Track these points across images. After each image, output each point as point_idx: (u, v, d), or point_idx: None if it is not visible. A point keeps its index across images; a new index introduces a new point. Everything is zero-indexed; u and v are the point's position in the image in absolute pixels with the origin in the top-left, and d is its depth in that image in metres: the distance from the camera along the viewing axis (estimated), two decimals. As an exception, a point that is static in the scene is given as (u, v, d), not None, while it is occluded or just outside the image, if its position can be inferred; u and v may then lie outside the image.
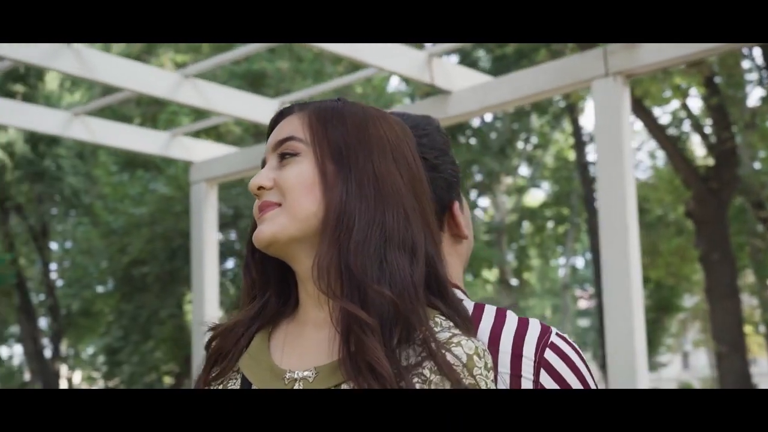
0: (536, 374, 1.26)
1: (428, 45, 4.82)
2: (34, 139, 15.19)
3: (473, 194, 21.10)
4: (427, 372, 1.12)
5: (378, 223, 1.16)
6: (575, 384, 1.27)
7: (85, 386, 22.66)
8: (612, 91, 3.89)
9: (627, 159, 3.85)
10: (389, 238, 1.15)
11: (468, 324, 1.20)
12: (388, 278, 1.13)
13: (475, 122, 18.74)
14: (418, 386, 1.11)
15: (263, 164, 1.25)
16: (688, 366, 41.04)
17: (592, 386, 1.30)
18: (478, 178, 20.21)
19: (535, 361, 1.27)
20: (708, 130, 13.54)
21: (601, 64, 3.92)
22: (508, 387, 1.25)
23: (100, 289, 16.97)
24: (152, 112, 14.20)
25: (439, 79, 4.32)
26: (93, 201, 15.89)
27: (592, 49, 4.00)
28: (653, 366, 25.51)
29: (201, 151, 5.36)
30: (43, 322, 20.52)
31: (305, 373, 1.16)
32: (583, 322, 29.50)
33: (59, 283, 19.42)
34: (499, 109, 4.57)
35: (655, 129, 13.09)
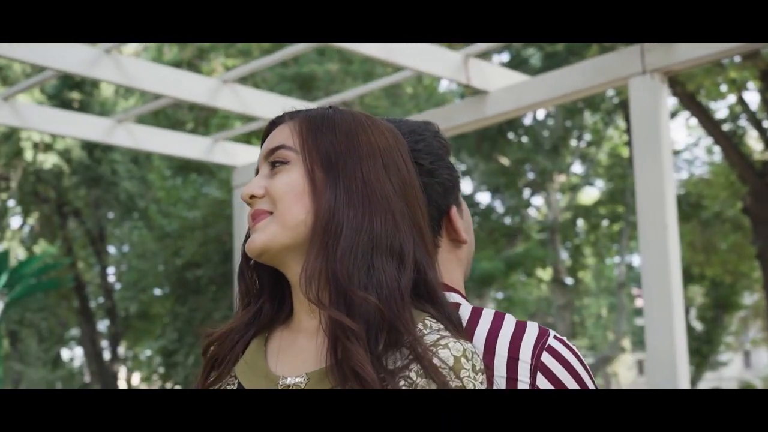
0: (533, 377, 1.25)
1: (462, 45, 4.81)
2: (90, 145, 15.48)
3: (526, 193, 20.95)
4: (413, 375, 1.13)
5: (366, 230, 1.17)
6: (572, 386, 1.26)
7: (143, 387, 23.01)
8: (650, 88, 3.84)
9: (666, 157, 3.81)
10: (376, 244, 1.16)
11: (459, 328, 1.20)
12: (375, 285, 1.14)
13: (527, 120, 18.61)
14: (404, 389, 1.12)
15: (257, 172, 1.27)
16: (750, 365, 40.26)
17: (591, 388, 1.29)
18: (531, 176, 20.06)
19: (531, 365, 1.26)
20: (766, 124, 13.27)
21: (638, 61, 3.87)
22: (504, 391, 1.24)
23: (157, 291, 17.21)
24: (204, 116, 14.37)
25: (475, 79, 4.32)
26: (147, 205, 16.14)
27: (628, 47, 3.96)
28: (713, 365, 25.04)
29: (243, 156, 5.42)
30: (102, 325, 20.92)
31: (297, 380, 1.17)
32: (641, 321, 29.11)
33: (117, 286, 19.76)
34: (537, 108, 4.55)
35: (709, 124, 12.88)
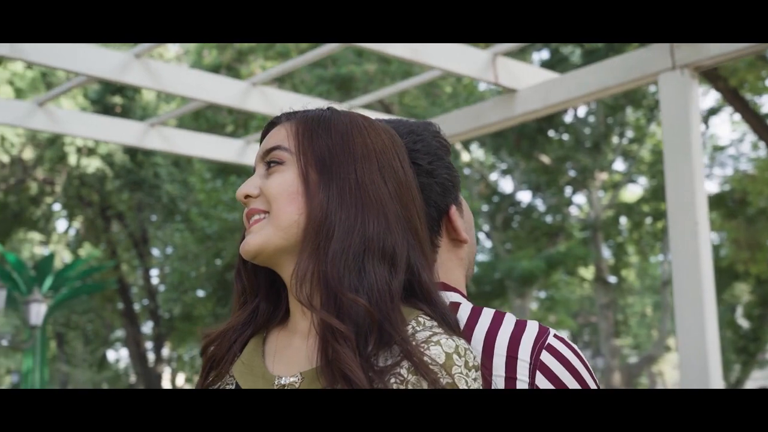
0: (532, 376, 1.24)
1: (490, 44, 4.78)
2: (132, 149, 15.68)
3: (567, 191, 20.79)
4: (404, 372, 1.12)
5: (358, 232, 1.16)
6: (572, 385, 1.25)
7: (187, 388, 23.21)
8: (680, 84, 3.80)
9: (696, 154, 3.76)
10: (368, 246, 1.16)
11: (454, 327, 1.20)
12: (366, 287, 1.14)
13: (568, 117, 18.46)
14: (395, 387, 1.12)
15: (254, 172, 1.28)
16: (799, 363, 39.50)
17: (592, 387, 1.27)
18: (572, 174, 19.90)
19: (530, 363, 1.25)
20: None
21: (667, 57, 3.83)
22: (503, 391, 1.24)
23: (199, 293, 17.38)
24: (243, 119, 14.47)
25: (503, 78, 4.30)
26: (189, 207, 16.31)
27: (658, 43, 3.91)
28: (761, 363, 24.66)
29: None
30: (147, 327, 21.17)
31: (292, 379, 1.18)
32: (687, 320, 28.65)
33: (160, 288, 19.97)
34: (566, 107, 4.52)
35: (753, 119, 12.70)
